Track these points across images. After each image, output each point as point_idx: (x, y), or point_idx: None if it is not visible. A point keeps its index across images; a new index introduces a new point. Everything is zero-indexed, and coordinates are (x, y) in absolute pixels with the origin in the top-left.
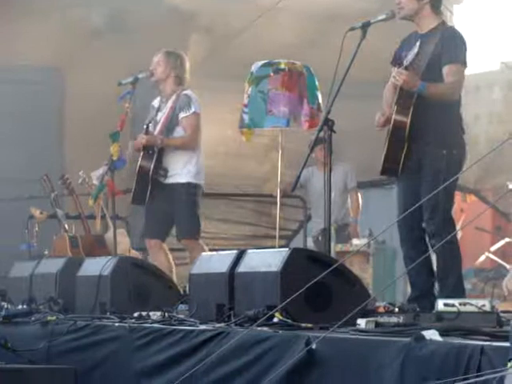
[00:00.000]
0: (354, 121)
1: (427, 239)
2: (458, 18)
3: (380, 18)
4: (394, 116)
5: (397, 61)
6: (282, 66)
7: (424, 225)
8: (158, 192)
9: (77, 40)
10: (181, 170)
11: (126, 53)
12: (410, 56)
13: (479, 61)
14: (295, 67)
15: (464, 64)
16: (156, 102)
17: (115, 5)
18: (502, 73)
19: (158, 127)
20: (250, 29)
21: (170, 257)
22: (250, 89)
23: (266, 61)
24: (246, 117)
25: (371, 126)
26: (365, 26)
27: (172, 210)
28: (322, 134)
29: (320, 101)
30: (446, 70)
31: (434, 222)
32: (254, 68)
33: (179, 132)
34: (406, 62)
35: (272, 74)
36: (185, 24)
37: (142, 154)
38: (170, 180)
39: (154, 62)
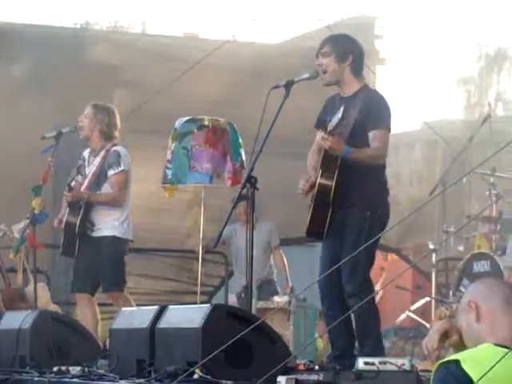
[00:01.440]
0: (277, 178)
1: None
2: (381, 79)
3: (304, 76)
4: (318, 179)
5: (321, 124)
6: (206, 123)
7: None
8: (86, 245)
9: None
10: (106, 224)
11: (48, 106)
12: (334, 121)
13: (400, 120)
14: (219, 124)
15: (388, 129)
16: (86, 153)
17: (37, 57)
18: (423, 132)
19: (86, 182)
20: (174, 84)
21: (97, 312)
22: (173, 145)
23: (189, 117)
24: (169, 172)
25: (293, 183)
26: (288, 85)
27: (96, 263)
28: (244, 190)
29: (243, 158)
30: (371, 135)
31: (352, 283)
32: (177, 124)
33: (106, 188)
34: (330, 127)
35: (196, 130)
36: (109, 78)
37: (68, 209)
38: (96, 233)
39: (83, 114)
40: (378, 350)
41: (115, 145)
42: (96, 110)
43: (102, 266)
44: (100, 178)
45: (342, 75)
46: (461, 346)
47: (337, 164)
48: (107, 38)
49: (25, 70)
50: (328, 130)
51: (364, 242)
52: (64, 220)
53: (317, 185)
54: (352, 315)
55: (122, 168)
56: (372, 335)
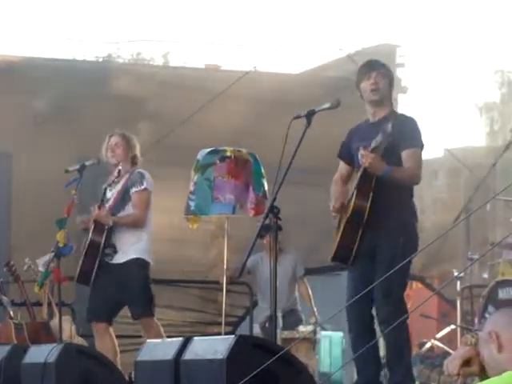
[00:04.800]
0: (299, 207)
1: (375, 326)
2: (403, 107)
3: (325, 106)
4: (354, 200)
5: (345, 153)
6: (228, 154)
7: (374, 311)
8: (104, 273)
9: (23, 125)
10: (130, 247)
11: (72, 139)
12: (378, 139)
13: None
14: (241, 155)
15: (421, 147)
16: (107, 185)
17: (61, 91)
18: (446, 160)
19: (110, 202)
20: (196, 115)
21: (116, 341)
22: (196, 176)
23: (211, 148)
24: (191, 204)
25: (316, 212)
26: (310, 115)
27: (120, 290)
28: (268, 221)
29: (266, 188)
30: (404, 155)
31: (385, 309)
32: (200, 155)
33: (130, 208)
34: (374, 143)
35: (218, 161)
36: (131, 110)
37: (92, 227)
38: (116, 260)
39: (112, 144)
40: (408, 379)
41: (138, 168)
42: (124, 138)
43: (129, 292)
44: (124, 198)
45: (387, 100)
46: (482, 375)
47: (372, 185)
48: (129, 71)
49: (47, 103)
50: (372, 147)
51: (397, 269)
52: (88, 239)
53: (352, 205)
54: (381, 343)
55: (144, 186)
56: (403, 363)
